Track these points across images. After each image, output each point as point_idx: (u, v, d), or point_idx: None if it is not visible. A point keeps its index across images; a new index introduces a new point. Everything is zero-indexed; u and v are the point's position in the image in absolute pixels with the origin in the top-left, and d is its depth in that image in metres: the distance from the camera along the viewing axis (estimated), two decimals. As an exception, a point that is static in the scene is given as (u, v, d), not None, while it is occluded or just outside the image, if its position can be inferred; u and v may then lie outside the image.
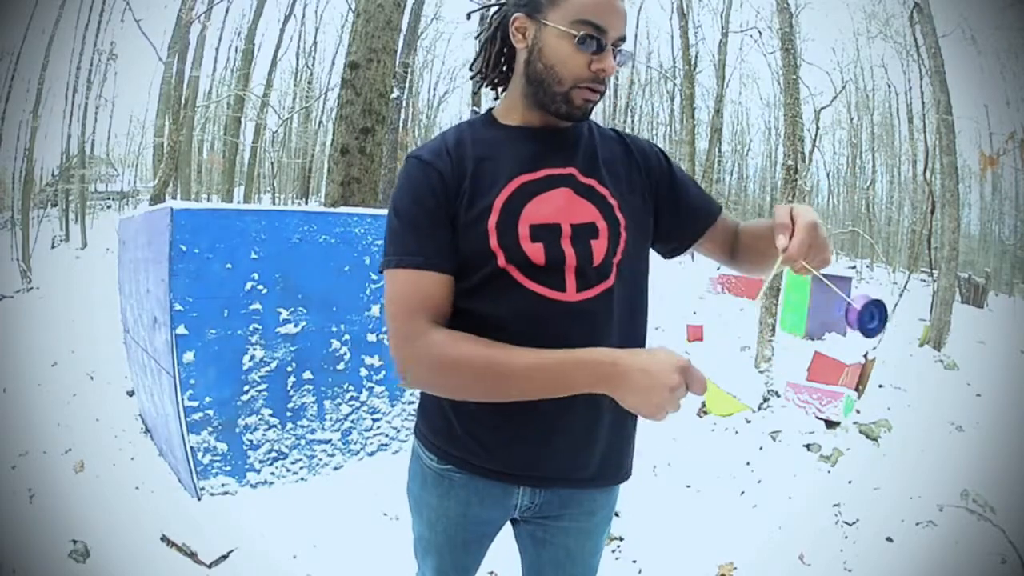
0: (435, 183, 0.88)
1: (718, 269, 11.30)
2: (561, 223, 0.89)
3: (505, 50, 0.97)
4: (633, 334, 0.96)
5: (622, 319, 0.94)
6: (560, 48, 0.86)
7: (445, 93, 25.39)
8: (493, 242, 0.87)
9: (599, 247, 0.90)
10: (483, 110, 1.03)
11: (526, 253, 0.87)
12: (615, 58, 0.88)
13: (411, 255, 0.86)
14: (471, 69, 1.02)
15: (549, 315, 0.88)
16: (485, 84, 1.01)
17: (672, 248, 1.06)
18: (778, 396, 4.15)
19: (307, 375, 2.75)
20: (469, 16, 1.00)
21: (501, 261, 0.87)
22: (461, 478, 0.97)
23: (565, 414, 0.90)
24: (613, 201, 0.93)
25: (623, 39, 0.89)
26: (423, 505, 1.03)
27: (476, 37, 1.06)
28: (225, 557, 2.18)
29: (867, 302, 0.85)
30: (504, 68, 0.98)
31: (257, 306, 2.61)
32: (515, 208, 0.88)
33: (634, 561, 2.34)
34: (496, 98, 1.03)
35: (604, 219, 0.91)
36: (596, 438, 0.94)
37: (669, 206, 1.01)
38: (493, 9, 0.98)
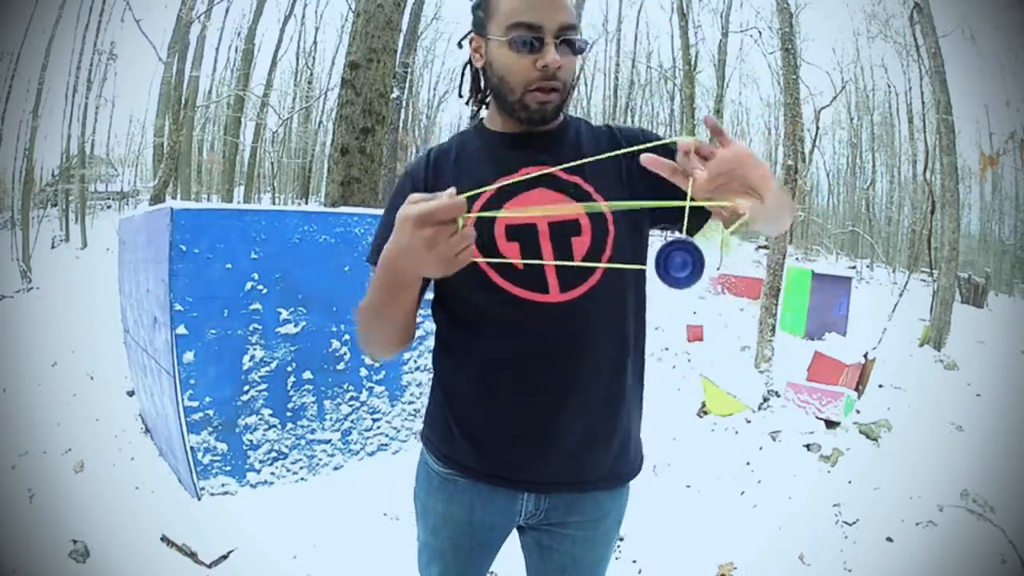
0: (408, 192, 0.91)
1: (718, 269, 11.30)
2: (537, 222, 0.89)
3: (478, 70, 0.98)
4: (623, 334, 0.94)
5: (611, 319, 0.92)
6: (503, 57, 0.86)
7: (445, 93, 25.37)
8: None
9: (581, 243, 0.89)
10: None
11: (502, 253, 0.88)
12: (562, 49, 0.85)
13: (377, 255, 0.91)
14: (460, 95, 1.03)
15: (529, 317, 0.88)
16: (471, 104, 1.03)
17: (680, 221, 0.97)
18: (778, 396, 4.15)
19: (307, 375, 2.75)
20: (460, 45, 1.00)
21: (480, 263, 0.88)
22: (465, 483, 0.97)
23: (559, 415, 0.90)
24: (599, 197, 0.92)
25: (569, 27, 0.85)
26: (428, 511, 1.03)
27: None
28: (225, 557, 2.18)
29: (669, 243, 0.68)
30: (483, 87, 0.99)
31: (257, 306, 2.61)
32: (492, 210, 0.89)
33: (634, 561, 2.34)
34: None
35: (587, 215, 0.90)
36: (594, 439, 0.94)
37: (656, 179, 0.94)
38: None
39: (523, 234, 0.88)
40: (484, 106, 1.02)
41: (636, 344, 0.97)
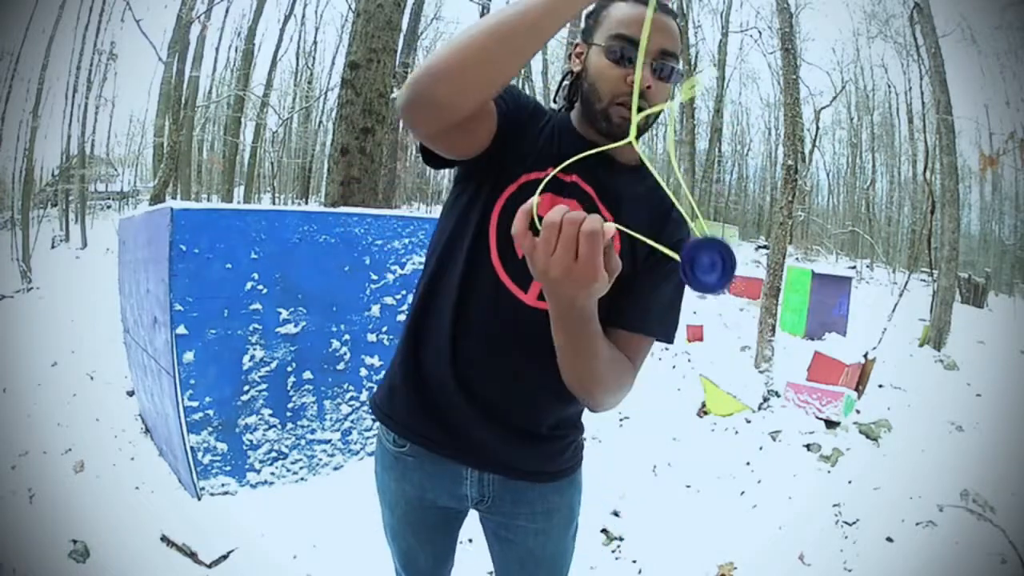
0: (531, 112, 0.95)
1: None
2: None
3: (574, 76, 1.00)
4: None
5: None
6: (599, 64, 0.88)
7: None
8: (495, 212, 0.92)
9: None
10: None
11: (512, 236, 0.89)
12: (660, 73, 0.86)
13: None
14: (554, 100, 1.06)
15: (504, 308, 0.91)
16: (561, 107, 1.04)
17: None
18: (778, 396, 4.15)
19: (307, 375, 2.75)
20: (568, 56, 1.02)
21: (491, 231, 0.91)
22: (415, 461, 1.00)
23: (504, 402, 0.94)
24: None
25: (669, 54, 0.86)
26: (385, 488, 1.07)
27: None
28: (225, 557, 2.18)
29: (696, 242, 0.60)
30: (573, 93, 1.00)
31: (257, 306, 2.61)
32: (527, 196, 0.89)
33: (634, 561, 2.34)
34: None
35: None
36: (532, 434, 0.97)
37: (630, 283, 0.90)
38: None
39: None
40: (567, 109, 1.03)
41: None
